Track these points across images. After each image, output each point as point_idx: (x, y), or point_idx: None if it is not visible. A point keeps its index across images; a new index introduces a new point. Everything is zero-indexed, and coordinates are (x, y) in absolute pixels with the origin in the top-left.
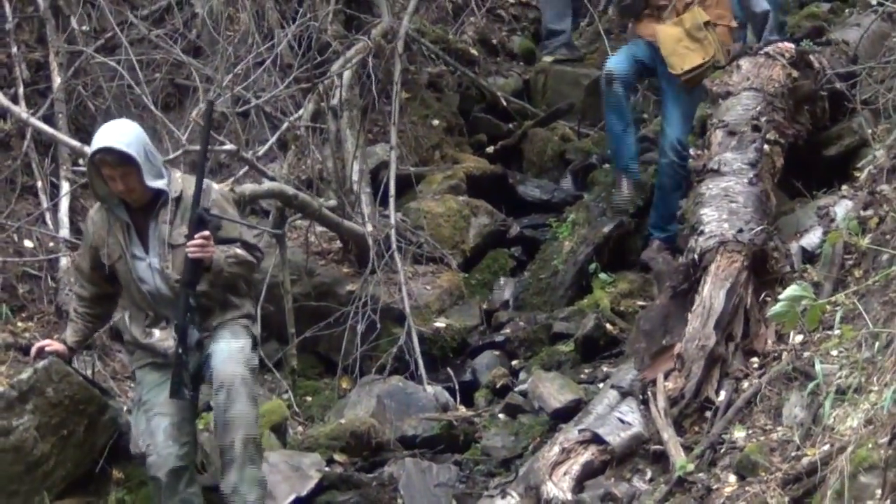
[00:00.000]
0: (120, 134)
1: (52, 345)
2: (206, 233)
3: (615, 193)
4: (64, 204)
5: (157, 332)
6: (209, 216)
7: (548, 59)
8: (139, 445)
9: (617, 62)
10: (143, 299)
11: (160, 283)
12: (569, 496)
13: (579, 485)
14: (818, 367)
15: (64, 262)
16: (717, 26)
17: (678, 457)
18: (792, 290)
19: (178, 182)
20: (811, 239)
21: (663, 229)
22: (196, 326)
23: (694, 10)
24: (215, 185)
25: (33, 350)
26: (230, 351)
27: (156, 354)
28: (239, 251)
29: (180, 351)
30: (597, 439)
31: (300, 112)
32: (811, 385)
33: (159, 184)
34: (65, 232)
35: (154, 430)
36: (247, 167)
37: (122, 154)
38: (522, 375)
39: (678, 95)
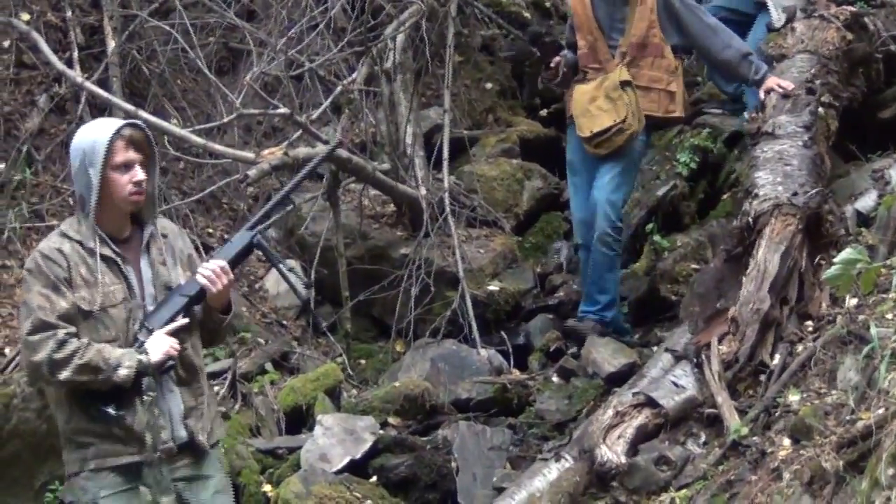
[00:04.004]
0: None
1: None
2: (228, 269)
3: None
4: None
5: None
6: (264, 246)
7: None
8: None
9: (580, 230)
10: None
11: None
12: (623, 459)
13: (633, 448)
14: (873, 330)
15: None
16: (651, 90)
17: (732, 420)
18: (847, 253)
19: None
20: (866, 202)
21: (597, 314)
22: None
23: (618, 69)
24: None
25: None
26: None
27: (128, 442)
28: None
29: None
30: (651, 403)
31: (354, 75)
32: (866, 349)
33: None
34: None
35: None
36: (300, 131)
37: (149, 135)
38: None
39: (602, 162)
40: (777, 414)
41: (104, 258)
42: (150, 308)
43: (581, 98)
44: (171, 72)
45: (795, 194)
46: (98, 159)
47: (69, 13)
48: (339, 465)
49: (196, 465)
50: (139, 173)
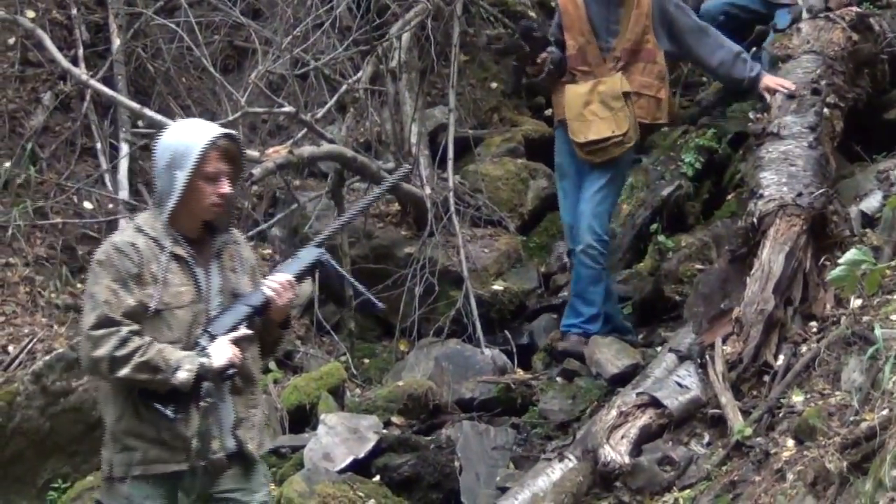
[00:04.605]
0: None
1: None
2: (295, 283)
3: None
4: (123, 165)
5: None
6: (331, 264)
7: None
8: None
9: (570, 235)
10: None
11: None
12: (626, 459)
13: (637, 448)
14: (878, 331)
15: (123, 223)
16: (641, 97)
17: (736, 421)
18: (851, 254)
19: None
20: (871, 203)
21: (580, 327)
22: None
23: (615, 77)
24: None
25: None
26: None
27: (175, 449)
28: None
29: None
30: (655, 403)
31: (359, 74)
32: (870, 350)
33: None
34: (124, 193)
35: None
36: (305, 129)
37: (241, 149)
38: None
39: (591, 169)
40: (781, 415)
41: (176, 258)
42: (215, 313)
43: (575, 101)
44: (175, 70)
45: (800, 195)
46: (188, 165)
47: (74, 11)
48: (343, 465)
49: (244, 478)
50: (225, 186)
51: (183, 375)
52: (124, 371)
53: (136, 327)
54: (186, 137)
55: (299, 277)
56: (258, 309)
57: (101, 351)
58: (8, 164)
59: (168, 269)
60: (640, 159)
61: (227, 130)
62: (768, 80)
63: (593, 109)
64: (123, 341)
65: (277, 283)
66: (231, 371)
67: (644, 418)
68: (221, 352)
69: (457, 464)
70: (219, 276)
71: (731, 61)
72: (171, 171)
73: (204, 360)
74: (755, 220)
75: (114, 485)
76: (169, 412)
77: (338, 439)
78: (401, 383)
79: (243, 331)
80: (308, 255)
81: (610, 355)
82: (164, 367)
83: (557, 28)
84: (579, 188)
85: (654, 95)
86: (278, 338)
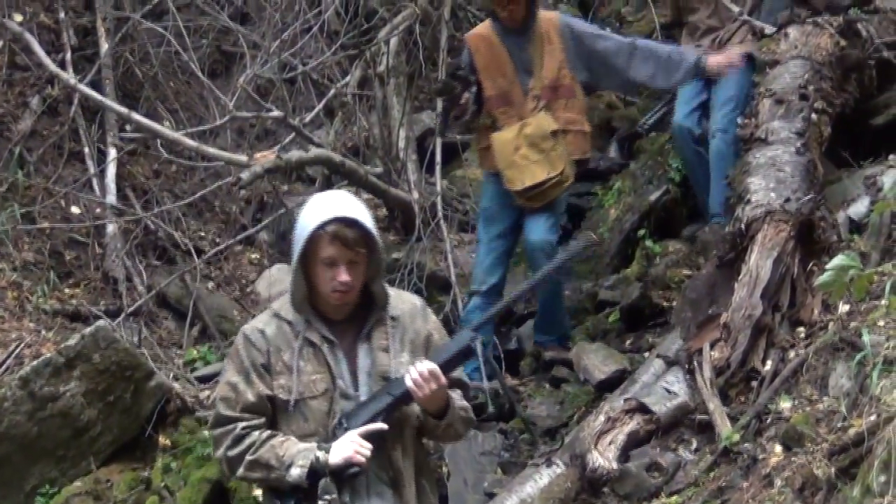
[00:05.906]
0: (358, 208)
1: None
2: (439, 373)
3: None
4: (111, 170)
5: None
6: (481, 353)
7: None
8: None
9: (482, 276)
10: None
11: None
12: (614, 465)
13: (624, 454)
14: (865, 337)
15: (110, 228)
16: (568, 133)
17: (724, 427)
18: (839, 259)
19: (392, 295)
20: (858, 208)
21: (558, 341)
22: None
23: (539, 116)
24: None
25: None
26: None
27: None
28: (467, 404)
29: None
30: (642, 409)
31: (347, 79)
32: (858, 355)
33: (381, 288)
34: (111, 198)
35: None
36: (293, 134)
37: (368, 231)
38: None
39: (532, 211)
40: (769, 420)
41: (309, 343)
42: (364, 399)
43: (504, 149)
44: (163, 74)
45: (788, 200)
46: (298, 248)
47: (62, 14)
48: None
49: None
50: (342, 274)
51: (296, 472)
52: (240, 471)
53: (256, 421)
54: (306, 219)
55: (447, 366)
56: (398, 400)
57: (220, 451)
58: None
59: (301, 355)
60: (627, 164)
61: (343, 214)
62: (713, 60)
63: (524, 154)
64: (237, 440)
65: (418, 374)
66: (353, 470)
67: (632, 424)
68: (342, 448)
69: (444, 469)
70: (368, 359)
71: (676, 53)
72: (294, 253)
73: (320, 454)
74: (743, 225)
75: None
76: None
77: None
78: None
79: (377, 425)
80: (459, 340)
81: (597, 361)
82: (277, 464)
83: (469, 68)
84: (506, 235)
85: (581, 129)
86: (435, 428)
